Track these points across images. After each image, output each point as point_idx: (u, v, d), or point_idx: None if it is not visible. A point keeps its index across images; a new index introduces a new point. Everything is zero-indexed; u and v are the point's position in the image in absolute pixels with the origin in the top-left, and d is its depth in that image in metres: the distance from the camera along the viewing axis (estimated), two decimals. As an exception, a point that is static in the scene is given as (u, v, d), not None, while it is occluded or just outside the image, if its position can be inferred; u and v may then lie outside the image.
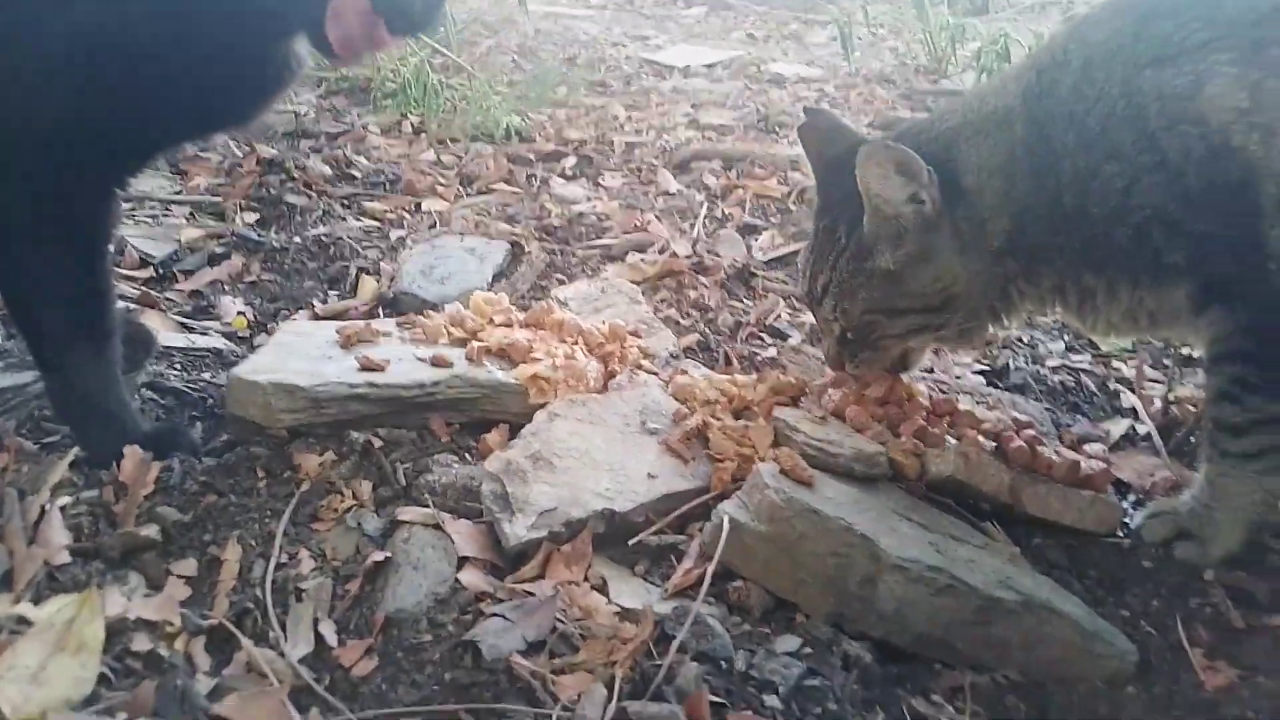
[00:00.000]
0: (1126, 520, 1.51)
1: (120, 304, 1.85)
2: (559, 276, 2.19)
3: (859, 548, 1.28)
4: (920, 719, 1.16)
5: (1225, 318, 1.36)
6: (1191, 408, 1.77)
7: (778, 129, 3.42)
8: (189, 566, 1.29)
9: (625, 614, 1.23)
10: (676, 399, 1.61)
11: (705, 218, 2.56)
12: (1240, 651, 1.29)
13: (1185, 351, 1.87)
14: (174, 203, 2.41)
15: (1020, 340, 2.05)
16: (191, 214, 2.37)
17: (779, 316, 2.08)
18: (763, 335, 2.01)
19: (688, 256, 2.28)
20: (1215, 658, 1.27)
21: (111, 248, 1.58)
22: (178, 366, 1.72)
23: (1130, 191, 1.35)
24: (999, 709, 1.20)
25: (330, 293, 2.06)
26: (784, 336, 2.01)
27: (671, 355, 1.81)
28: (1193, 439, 1.70)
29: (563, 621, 1.21)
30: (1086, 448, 1.64)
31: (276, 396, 1.46)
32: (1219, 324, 1.37)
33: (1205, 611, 1.35)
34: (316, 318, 1.92)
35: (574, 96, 3.60)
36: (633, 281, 2.11)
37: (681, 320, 2.02)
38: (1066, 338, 2.07)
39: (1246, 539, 1.41)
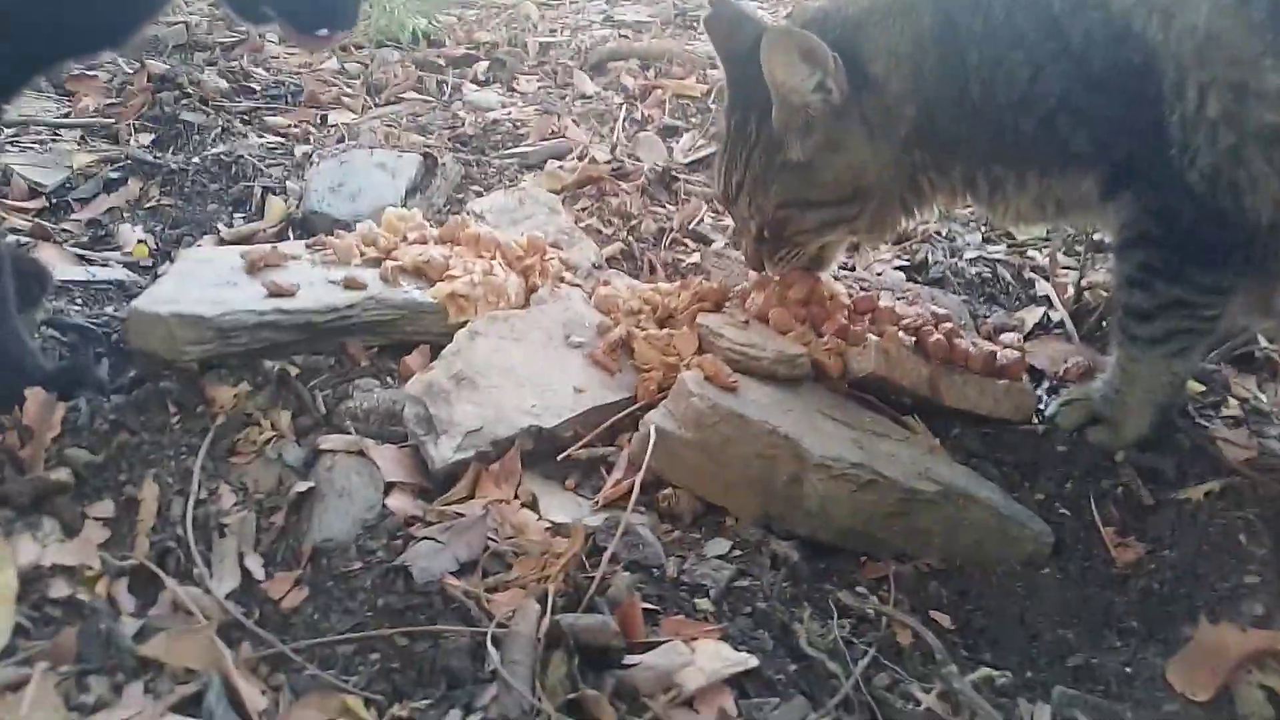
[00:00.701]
0: (1041, 407, 1.55)
1: (11, 238, 1.76)
2: (475, 188, 2.13)
3: (783, 449, 1.29)
4: (847, 611, 1.20)
5: (1132, 204, 1.38)
6: (1104, 293, 1.81)
7: (696, 24, 3.33)
8: (105, 508, 1.25)
9: (557, 529, 1.24)
10: (600, 310, 1.59)
11: (624, 121, 2.50)
12: (1149, 527, 1.35)
13: (1097, 237, 1.91)
14: (62, 126, 2.28)
15: (938, 234, 2.06)
16: (82, 138, 2.24)
17: (702, 221, 2.06)
18: (686, 241, 1.99)
19: (607, 162, 2.23)
20: (1126, 534, 1.34)
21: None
22: (78, 301, 1.65)
23: (1036, 79, 1.34)
24: (922, 595, 1.25)
25: (235, 215, 1.98)
26: (708, 241, 2.00)
27: (594, 266, 1.78)
28: (1104, 324, 1.74)
29: (494, 540, 1.21)
30: (1002, 337, 1.68)
31: (180, 328, 1.40)
32: (1126, 210, 1.39)
33: (1117, 491, 1.40)
34: (222, 242, 1.85)
35: (483, -4, 3.46)
36: (551, 190, 2.06)
37: (603, 229, 1.98)
38: (983, 229, 2.09)
39: (1156, 420, 1.46)
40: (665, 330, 1.53)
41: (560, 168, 2.20)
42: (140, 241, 1.85)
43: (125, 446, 1.33)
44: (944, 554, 1.30)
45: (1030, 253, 2.02)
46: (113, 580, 1.16)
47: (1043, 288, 1.89)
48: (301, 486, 1.27)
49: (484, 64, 2.86)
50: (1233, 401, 1.57)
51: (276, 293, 1.48)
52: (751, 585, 1.18)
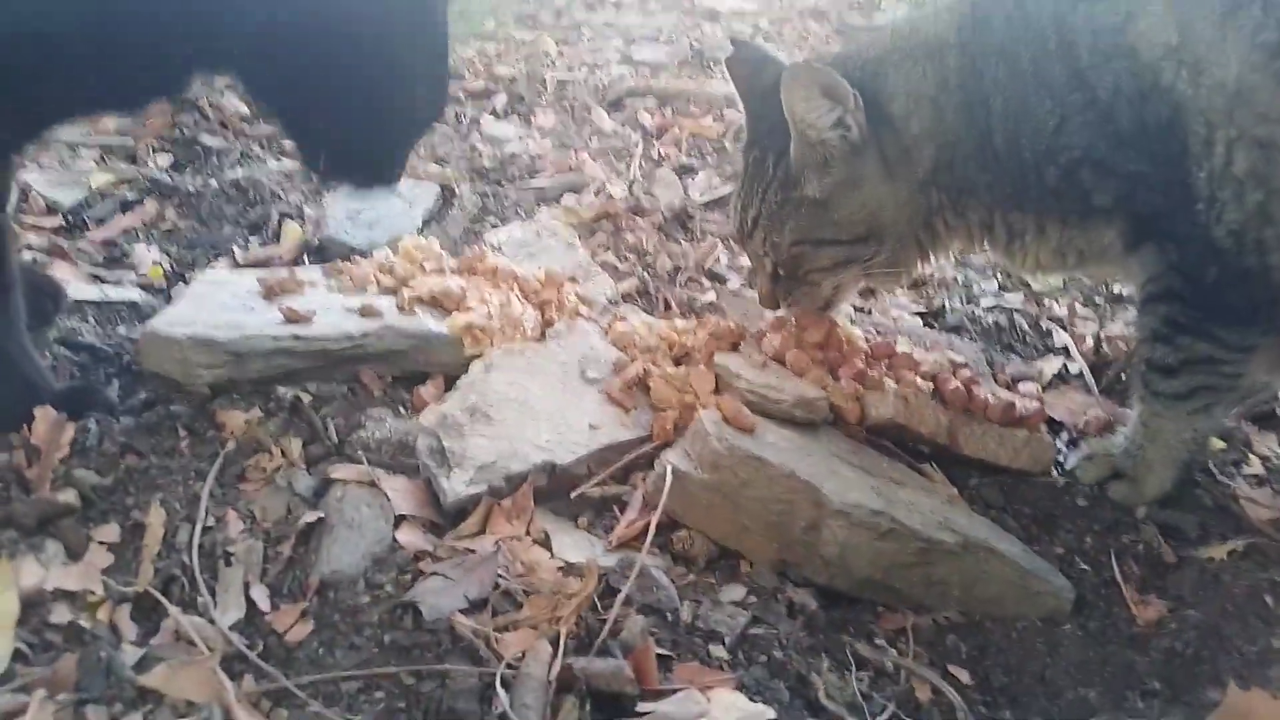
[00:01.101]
0: (1060, 459, 1.53)
1: (26, 255, 1.75)
2: (492, 220, 2.13)
3: (802, 494, 1.27)
4: (865, 663, 1.17)
5: (1156, 257, 1.37)
6: (1122, 345, 1.80)
7: (712, 65, 3.35)
8: (110, 532, 1.23)
9: (569, 568, 1.21)
10: (616, 347, 1.58)
11: (641, 158, 2.50)
12: (1170, 585, 1.32)
13: (1116, 289, 1.90)
14: (81, 145, 2.28)
15: (955, 280, 2.05)
16: (101, 157, 2.24)
17: (718, 259, 2.05)
18: (702, 279, 1.98)
19: (624, 198, 2.23)
20: (1147, 592, 1.31)
21: (13, 197, 1.48)
22: (91, 320, 1.64)
23: (1060, 130, 1.33)
24: (940, 649, 1.22)
25: (251, 239, 1.97)
26: (723, 280, 1.99)
27: (610, 301, 1.78)
28: (1124, 376, 1.73)
29: (505, 578, 1.19)
30: (1020, 387, 1.66)
31: (194, 351, 1.39)
32: (1150, 264, 1.38)
33: (1137, 547, 1.38)
34: (237, 266, 1.84)
35: (503, 30, 3.49)
36: (568, 224, 2.05)
37: (619, 265, 1.98)
38: (999, 277, 2.08)
39: (1178, 477, 1.43)
40: (682, 368, 1.52)
41: (577, 202, 2.20)
42: (155, 263, 1.84)
43: (133, 470, 1.31)
44: (963, 607, 1.28)
45: (1048, 302, 2.00)
46: (115, 607, 1.14)
47: (1060, 338, 1.87)
48: (310, 516, 1.25)
49: (502, 98, 2.87)
50: (1254, 460, 1.55)
51: (293, 319, 1.46)
52: (767, 633, 1.16)
